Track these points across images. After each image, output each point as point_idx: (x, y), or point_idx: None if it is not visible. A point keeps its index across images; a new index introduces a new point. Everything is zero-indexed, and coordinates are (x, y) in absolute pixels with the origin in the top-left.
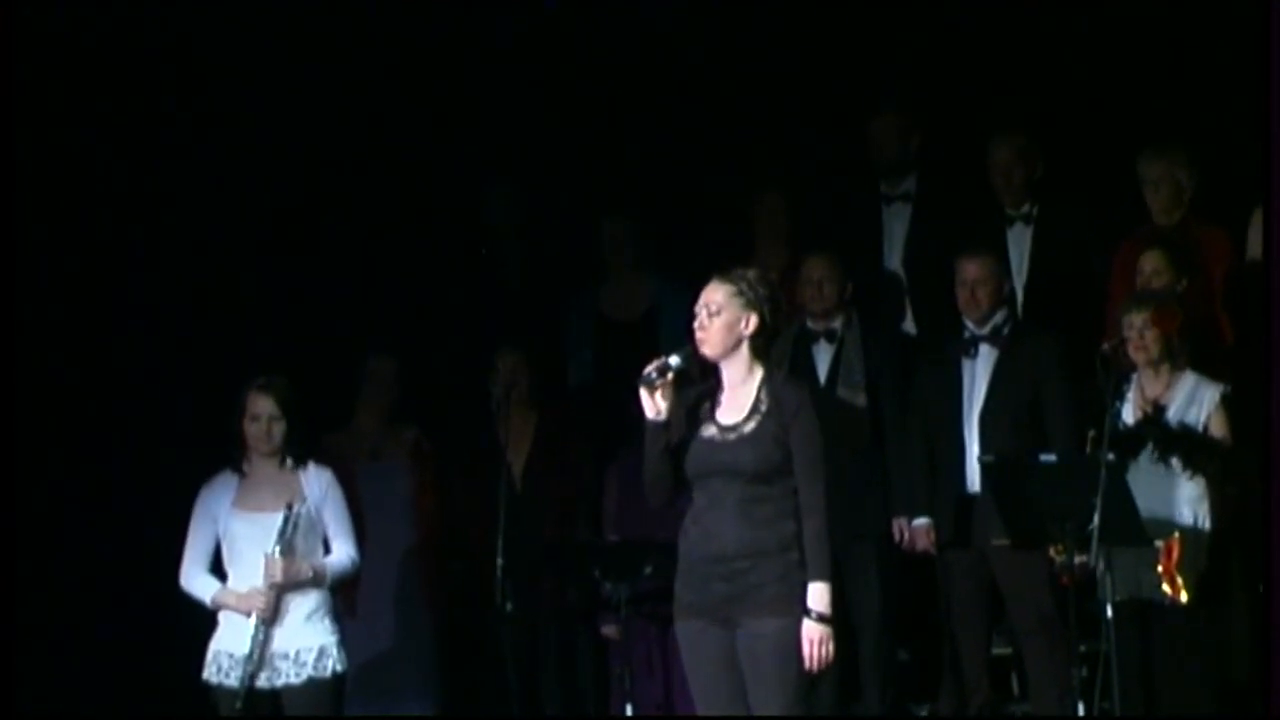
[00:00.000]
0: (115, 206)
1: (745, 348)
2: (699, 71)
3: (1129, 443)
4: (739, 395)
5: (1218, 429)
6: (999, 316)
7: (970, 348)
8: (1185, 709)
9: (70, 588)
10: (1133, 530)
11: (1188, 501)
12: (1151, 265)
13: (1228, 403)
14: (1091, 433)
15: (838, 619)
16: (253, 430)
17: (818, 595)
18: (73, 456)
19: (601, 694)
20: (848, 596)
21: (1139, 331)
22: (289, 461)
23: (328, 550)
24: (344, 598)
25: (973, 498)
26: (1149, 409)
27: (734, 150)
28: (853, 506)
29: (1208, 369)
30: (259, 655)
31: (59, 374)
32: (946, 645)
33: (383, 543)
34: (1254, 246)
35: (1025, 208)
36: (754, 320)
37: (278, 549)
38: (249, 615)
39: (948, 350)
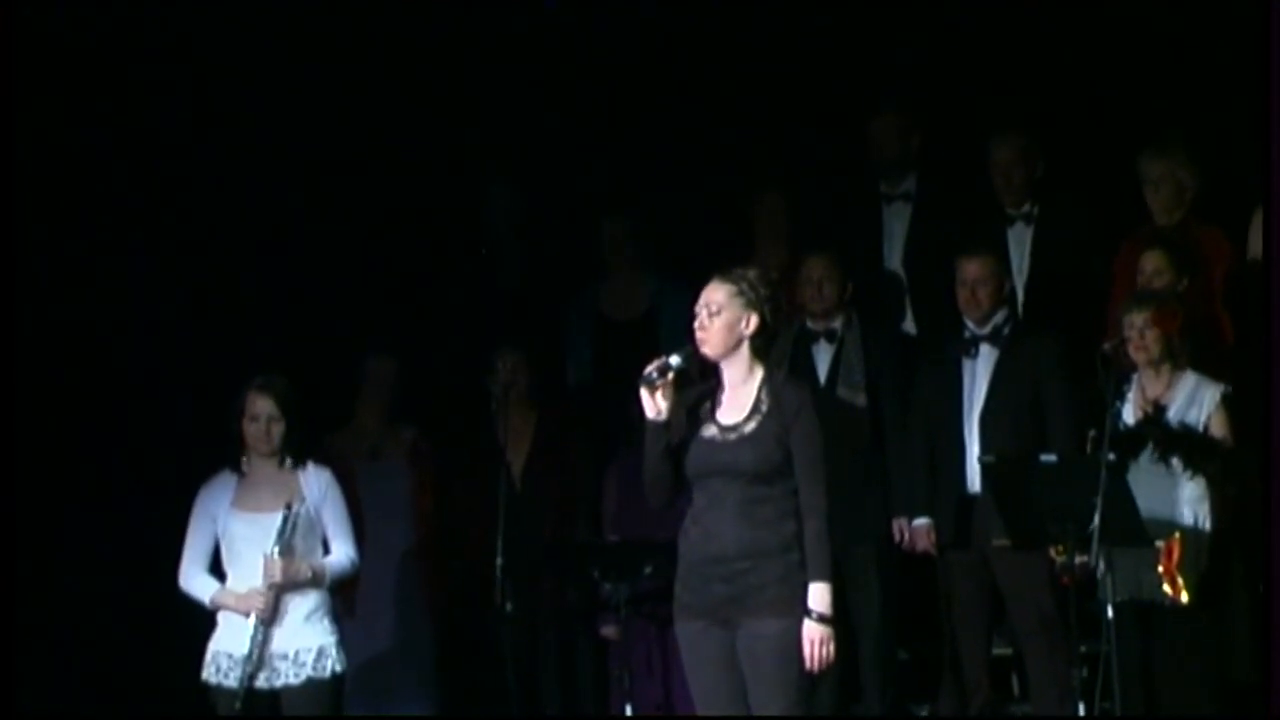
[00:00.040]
0: (115, 206)
1: (745, 348)
2: (699, 71)
3: (1129, 443)
4: (739, 395)
5: (1218, 429)
6: (999, 316)
7: (970, 348)
8: (1186, 709)
9: (70, 588)
10: (1133, 530)
11: (1188, 502)
12: (1152, 265)
13: (1228, 403)
14: (1092, 433)
15: (838, 619)
16: (252, 430)
17: (818, 596)
18: (73, 456)
19: (601, 694)
20: (848, 597)
21: (1139, 331)
22: (288, 462)
23: (327, 550)
24: (343, 598)
25: (973, 498)
26: (1149, 409)
27: (734, 150)
28: (853, 507)
29: (1208, 369)
30: (258, 655)
31: (59, 374)
32: (947, 645)
33: (382, 543)
34: (1254, 246)
35: (1025, 207)
36: (754, 320)
37: (277, 549)
38: (248, 615)
39: (948, 350)
